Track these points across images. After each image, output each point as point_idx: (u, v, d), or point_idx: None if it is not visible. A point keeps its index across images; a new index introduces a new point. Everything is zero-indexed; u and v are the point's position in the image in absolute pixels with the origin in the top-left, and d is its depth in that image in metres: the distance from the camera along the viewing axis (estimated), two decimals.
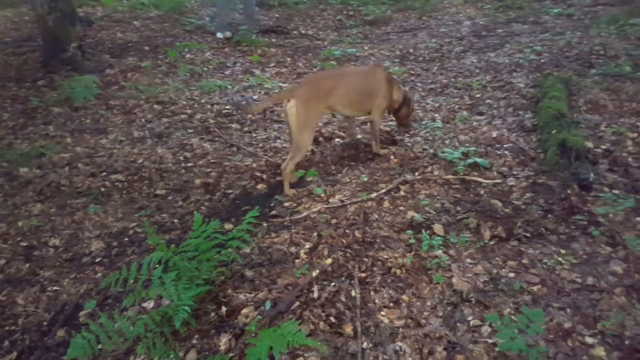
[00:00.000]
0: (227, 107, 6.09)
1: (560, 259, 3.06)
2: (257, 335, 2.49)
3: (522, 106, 5.50)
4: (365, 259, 3.15)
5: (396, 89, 4.65)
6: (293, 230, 3.55)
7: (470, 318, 2.66)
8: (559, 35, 8.07)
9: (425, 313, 2.71)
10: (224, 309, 2.81)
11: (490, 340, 2.48)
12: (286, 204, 3.99)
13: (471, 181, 4.06)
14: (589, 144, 4.28)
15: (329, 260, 3.12)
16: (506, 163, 4.31)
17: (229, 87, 6.74)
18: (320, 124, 5.34)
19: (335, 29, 10.42)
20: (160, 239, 2.94)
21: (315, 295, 2.84)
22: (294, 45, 9.12)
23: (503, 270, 3.01)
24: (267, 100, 5.20)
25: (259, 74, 7.37)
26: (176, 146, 5.09)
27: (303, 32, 10.08)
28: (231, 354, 2.51)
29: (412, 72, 7.29)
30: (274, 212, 3.89)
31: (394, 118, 4.96)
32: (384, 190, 3.95)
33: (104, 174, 4.53)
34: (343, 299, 2.81)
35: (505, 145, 4.62)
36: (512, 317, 2.60)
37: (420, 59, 7.99)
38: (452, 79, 6.79)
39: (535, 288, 2.84)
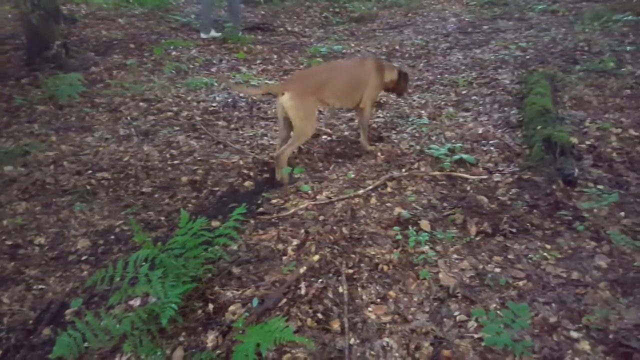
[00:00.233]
0: (214, 104, 6.07)
1: (545, 254, 3.08)
2: (245, 332, 2.49)
3: (508, 102, 5.54)
4: (353, 256, 3.15)
5: (388, 72, 4.73)
6: (280, 227, 3.55)
7: (456, 313, 2.67)
8: (544, 32, 8.15)
9: (412, 309, 2.72)
10: (211, 306, 2.80)
11: (476, 335, 2.50)
12: (273, 201, 3.98)
13: (457, 177, 4.08)
14: (574, 140, 4.32)
15: (317, 257, 3.12)
16: (492, 159, 4.34)
17: (215, 84, 6.72)
18: None
19: (322, 26, 10.44)
20: (147, 236, 2.92)
21: (303, 291, 2.84)
22: (280, 42, 9.12)
23: (489, 265, 3.03)
24: (258, 88, 5.23)
25: (245, 71, 7.36)
26: (162, 144, 5.06)
27: (289, 29, 10.07)
28: (218, 351, 2.50)
29: None
30: (261, 209, 3.89)
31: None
32: (371, 187, 3.96)
33: (90, 172, 4.49)
34: (330, 295, 2.81)
35: (491, 142, 4.65)
36: (498, 312, 2.62)
37: (407, 55, 8.02)
38: (438, 76, 6.83)
39: (520, 283, 2.86)
